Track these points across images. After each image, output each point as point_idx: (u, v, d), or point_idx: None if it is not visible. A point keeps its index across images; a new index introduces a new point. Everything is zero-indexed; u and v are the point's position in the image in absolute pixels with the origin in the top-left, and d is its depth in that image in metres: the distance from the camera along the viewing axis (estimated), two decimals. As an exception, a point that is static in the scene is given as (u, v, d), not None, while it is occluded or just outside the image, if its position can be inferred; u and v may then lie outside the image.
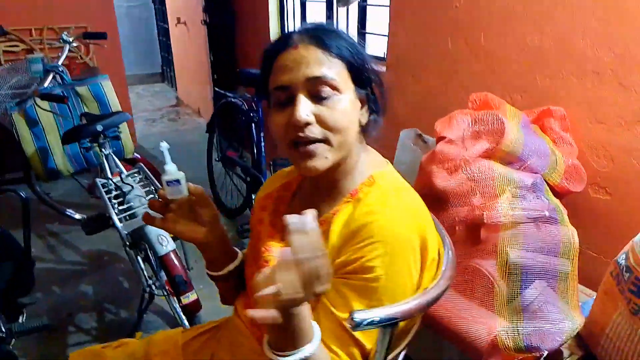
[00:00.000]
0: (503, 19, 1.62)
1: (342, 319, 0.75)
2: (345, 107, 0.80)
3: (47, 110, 2.09)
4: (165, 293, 1.89)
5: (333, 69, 0.79)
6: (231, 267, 1.01)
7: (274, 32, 3.38)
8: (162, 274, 1.78)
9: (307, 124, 0.78)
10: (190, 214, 0.92)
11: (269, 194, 1.04)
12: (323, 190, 0.89)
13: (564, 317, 1.18)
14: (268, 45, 0.85)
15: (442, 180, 1.36)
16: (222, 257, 1.01)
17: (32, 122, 2.08)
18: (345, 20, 2.63)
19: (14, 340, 1.68)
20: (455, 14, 1.79)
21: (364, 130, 0.87)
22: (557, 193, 1.37)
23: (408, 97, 2.06)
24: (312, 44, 0.79)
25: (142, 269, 1.76)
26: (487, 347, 1.19)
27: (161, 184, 0.85)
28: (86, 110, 2.20)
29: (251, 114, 2.67)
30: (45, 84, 2.09)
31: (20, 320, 1.80)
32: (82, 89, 2.16)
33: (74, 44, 2.32)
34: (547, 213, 1.23)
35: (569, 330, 1.16)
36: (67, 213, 2.74)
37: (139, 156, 2.36)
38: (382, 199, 0.81)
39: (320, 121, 0.79)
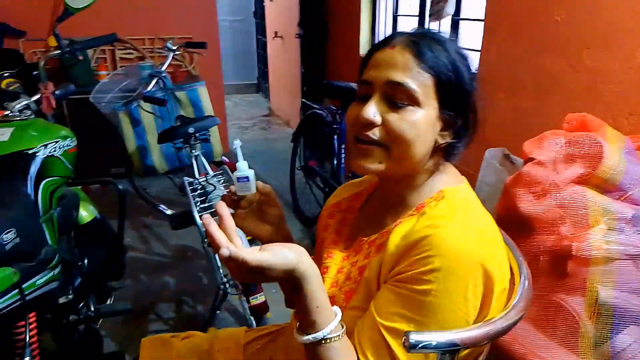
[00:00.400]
0: (609, 34, 1.49)
1: (381, 325, 0.73)
2: (418, 121, 0.76)
3: (148, 112, 2.28)
4: (238, 292, 1.95)
5: (418, 80, 0.76)
6: None
7: (364, 47, 3.40)
8: (235, 273, 1.84)
9: (372, 124, 0.77)
10: (259, 213, 0.94)
11: (338, 203, 1.04)
12: (390, 202, 0.87)
13: (662, 372, 1.03)
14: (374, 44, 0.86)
15: (527, 204, 1.26)
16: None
17: (135, 122, 2.28)
18: (437, 35, 2.57)
19: (101, 320, 1.83)
20: (555, 29, 1.68)
21: (444, 151, 0.83)
22: (664, 230, 1.21)
23: (497, 115, 1.96)
24: (408, 48, 0.77)
25: (218, 267, 1.83)
26: (566, 392, 1.07)
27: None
28: (182, 113, 2.36)
29: (334, 126, 2.71)
30: (149, 88, 2.28)
31: (108, 302, 1.96)
32: (180, 94, 2.34)
33: (177, 52, 2.51)
34: (649, 250, 1.09)
35: (667, 388, 1.02)
36: (160, 208, 2.94)
37: (226, 159, 2.47)
38: (448, 213, 0.77)
39: (386, 126, 0.77)
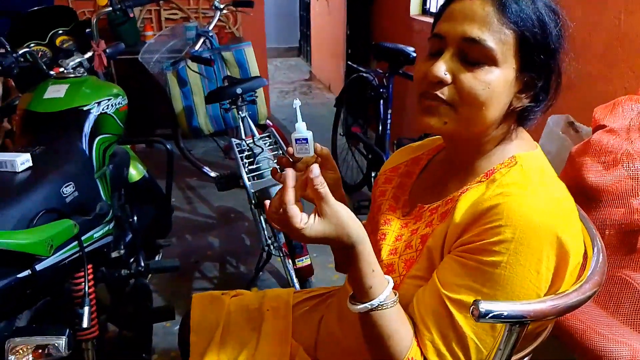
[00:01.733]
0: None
1: (445, 295, 0.70)
2: (493, 81, 0.70)
3: (196, 72, 2.28)
4: (282, 254, 1.97)
5: (497, 37, 0.69)
6: None
7: (414, 7, 3.25)
8: (281, 235, 1.85)
9: (442, 83, 0.71)
10: None
11: (396, 167, 1.00)
12: (455, 168, 0.82)
13: None
14: None
15: (595, 174, 1.18)
16: None
17: (182, 82, 2.28)
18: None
19: (150, 275, 1.89)
20: (635, -16, 1.53)
21: (519, 115, 0.77)
22: None
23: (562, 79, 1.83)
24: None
25: (263, 229, 1.84)
26: (628, 372, 1.02)
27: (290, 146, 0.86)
28: (229, 74, 2.35)
29: (381, 90, 2.63)
30: (197, 48, 2.27)
31: (156, 259, 2.02)
32: (227, 54, 2.31)
33: (224, 11, 2.47)
34: None
35: None
36: (204, 170, 2.99)
37: (270, 123, 2.46)
38: (522, 181, 0.72)
39: (457, 85, 0.71)
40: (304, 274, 1.56)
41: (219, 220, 2.89)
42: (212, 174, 3.06)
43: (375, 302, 0.70)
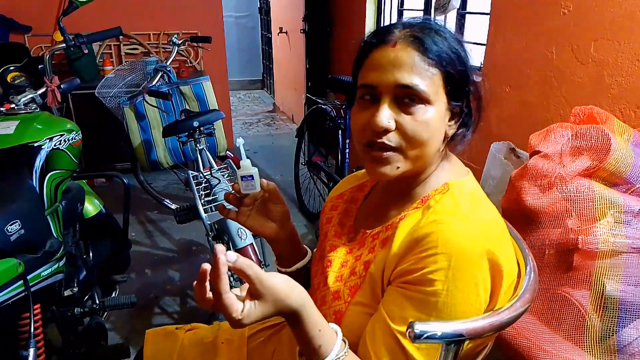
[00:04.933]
0: (619, 26, 1.47)
1: (396, 331, 0.71)
2: (430, 119, 0.74)
3: (153, 106, 2.29)
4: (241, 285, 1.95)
5: (427, 79, 0.73)
6: (300, 264, 1.01)
7: (369, 41, 3.38)
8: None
9: (386, 130, 0.74)
10: (263, 210, 0.93)
11: (342, 194, 1.03)
12: (394, 195, 0.86)
13: (669, 366, 1.02)
14: (367, 35, 0.81)
15: (533, 197, 1.25)
16: (291, 254, 1.01)
17: (140, 116, 2.28)
18: (443, 29, 2.56)
19: (106, 313, 1.84)
20: (562, 21, 1.66)
21: (450, 140, 0.82)
22: (672, 223, 1.20)
23: (503, 109, 1.94)
24: (411, 45, 0.74)
25: (222, 261, 1.82)
26: (572, 386, 1.06)
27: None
28: (187, 107, 2.36)
29: (339, 120, 2.70)
30: (154, 82, 2.28)
31: (113, 295, 1.97)
32: (185, 88, 2.33)
33: (182, 46, 2.51)
34: (656, 244, 1.08)
35: (675, 382, 1.01)
36: (165, 203, 2.95)
37: (231, 154, 2.48)
38: (453, 208, 0.76)
39: (401, 130, 0.74)
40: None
41: (179, 254, 2.84)
42: (173, 206, 3.03)
43: None
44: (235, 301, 0.63)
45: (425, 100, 0.74)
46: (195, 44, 2.59)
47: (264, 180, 0.91)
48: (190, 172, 1.84)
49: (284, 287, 0.66)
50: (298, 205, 3.32)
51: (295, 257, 1.02)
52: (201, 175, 1.75)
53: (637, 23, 1.41)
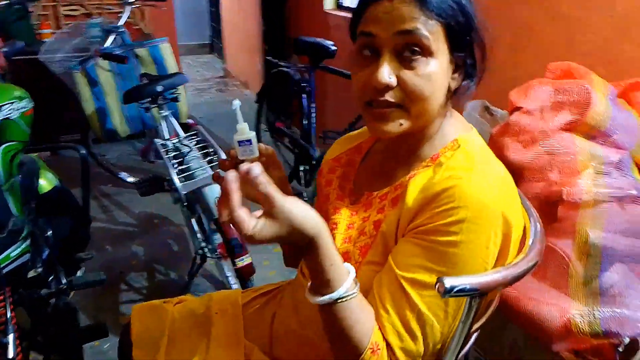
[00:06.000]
0: (590, -18, 1.49)
1: (399, 276, 0.71)
2: (433, 72, 0.72)
3: (107, 70, 2.12)
4: (217, 256, 1.91)
5: (428, 27, 0.71)
6: None
7: (329, 2, 3.29)
8: (216, 236, 1.79)
9: (388, 87, 0.72)
10: None
11: (338, 157, 1.00)
12: (400, 154, 0.84)
13: (647, 305, 1.09)
14: None
15: (516, 153, 1.27)
16: None
17: (93, 82, 2.11)
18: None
19: (72, 292, 1.74)
20: (533, -22, 1.67)
21: (453, 94, 0.80)
22: (643, 172, 1.27)
23: (486, 50, 1.96)
24: None
25: (195, 232, 1.77)
26: (559, 330, 1.12)
27: (227, 146, 0.83)
28: (144, 71, 2.21)
29: (303, 84, 2.63)
30: (106, 45, 2.11)
31: (78, 274, 1.86)
32: (141, 51, 2.17)
33: (135, 6, 2.33)
34: (635, 192, 1.14)
35: (652, 319, 1.08)
36: (120, 176, 2.81)
37: (192, 121, 2.36)
38: (468, 163, 0.75)
39: (402, 85, 0.72)
40: (245, 274, 1.52)
41: (141, 228, 2.73)
42: (130, 179, 2.89)
43: (335, 295, 0.68)
44: (248, 218, 0.63)
45: (426, 51, 0.71)
46: (149, 3, 2.40)
47: (262, 145, 0.86)
48: (156, 140, 1.74)
49: (301, 212, 0.65)
50: (261, 172, 3.25)
51: None
52: (170, 143, 1.65)
53: (607, -21, 1.44)
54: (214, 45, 7.12)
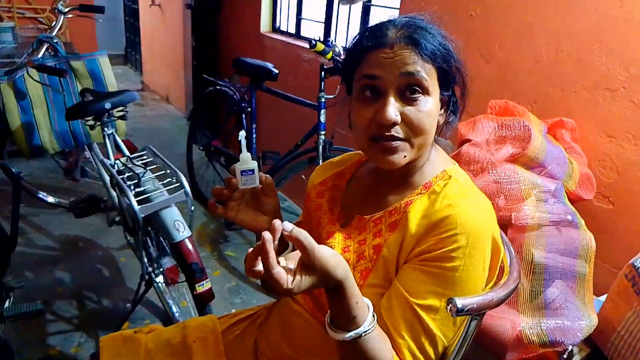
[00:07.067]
0: (519, 30, 1.71)
1: (414, 304, 0.77)
2: (431, 109, 0.81)
3: (37, 82, 1.96)
4: (162, 281, 1.84)
5: (426, 70, 0.80)
6: (288, 253, 1.01)
7: (265, 24, 3.34)
8: (165, 260, 1.73)
9: (394, 123, 0.79)
10: (254, 203, 0.91)
11: (324, 181, 1.05)
12: (391, 181, 0.91)
13: (581, 315, 1.26)
14: (361, 36, 0.84)
15: (468, 180, 1.41)
16: (278, 245, 1.00)
17: (21, 95, 1.93)
18: (347, 19, 2.65)
19: (2, 325, 1.57)
20: (470, 23, 1.86)
21: (441, 129, 0.89)
22: (570, 200, 1.46)
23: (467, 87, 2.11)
24: (407, 46, 0.79)
25: (143, 255, 1.69)
26: (512, 341, 1.25)
27: (231, 173, 0.84)
28: (79, 86, 2.07)
29: (242, 104, 2.63)
30: (39, 55, 1.95)
31: (6, 305, 1.68)
32: (77, 64, 2.04)
33: (69, 15, 2.18)
34: (569, 217, 1.31)
35: (587, 327, 1.25)
36: (39, 196, 2.57)
37: (127, 140, 2.25)
38: (461, 192, 0.84)
39: (406, 121, 0.80)
40: (205, 299, 1.48)
41: (64, 252, 2.52)
42: (50, 199, 2.66)
43: (360, 330, 0.72)
44: (284, 275, 0.66)
45: (425, 91, 0.80)
46: (84, 14, 2.26)
47: (262, 174, 0.89)
48: (105, 160, 1.64)
49: (333, 259, 0.69)
50: (193, 192, 3.16)
51: (281, 248, 1.00)
52: (119, 163, 1.57)
53: (534, 29, 1.66)
54: (129, 56, 6.80)
